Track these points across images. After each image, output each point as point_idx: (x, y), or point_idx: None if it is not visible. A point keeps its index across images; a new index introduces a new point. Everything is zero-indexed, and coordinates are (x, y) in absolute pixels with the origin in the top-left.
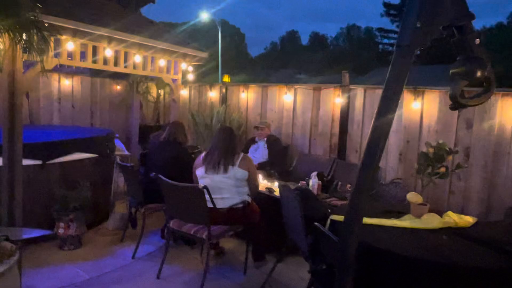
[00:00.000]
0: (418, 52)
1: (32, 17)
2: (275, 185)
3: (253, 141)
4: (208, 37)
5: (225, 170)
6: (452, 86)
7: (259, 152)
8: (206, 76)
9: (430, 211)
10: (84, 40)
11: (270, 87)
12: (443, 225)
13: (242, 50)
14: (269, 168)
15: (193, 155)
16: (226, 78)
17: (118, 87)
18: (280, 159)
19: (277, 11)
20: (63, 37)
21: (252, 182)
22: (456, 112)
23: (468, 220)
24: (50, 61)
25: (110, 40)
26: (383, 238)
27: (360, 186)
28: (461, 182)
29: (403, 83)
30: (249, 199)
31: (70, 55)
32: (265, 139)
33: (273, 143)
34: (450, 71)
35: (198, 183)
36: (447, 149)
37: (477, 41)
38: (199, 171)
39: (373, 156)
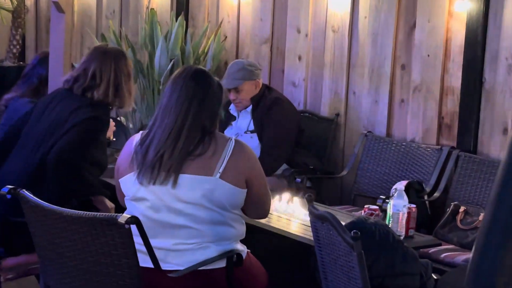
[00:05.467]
0: None
1: None
2: (300, 214)
3: (228, 114)
4: None
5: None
6: None
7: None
8: None
9: None
10: None
11: None
12: None
13: None
14: (288, 172)
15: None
16: None
17: None
18: (303, 151)
19: None
20: None
21: (256, 204)
22: None
23: None
24: None
25: None
26: None
27: (501, 219)
28: None
29: None
30: (243, 249)
31: None
32: (250, 108)
33: (269, 113)
34: None
35: (123, 205)
36: None
37: None
38: (127, 181)
39: None
